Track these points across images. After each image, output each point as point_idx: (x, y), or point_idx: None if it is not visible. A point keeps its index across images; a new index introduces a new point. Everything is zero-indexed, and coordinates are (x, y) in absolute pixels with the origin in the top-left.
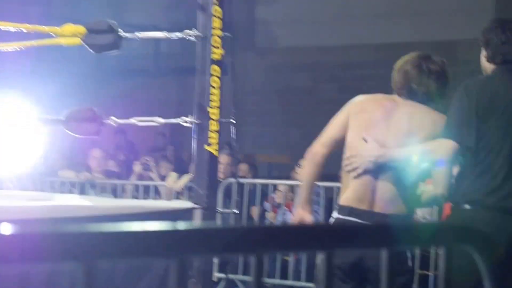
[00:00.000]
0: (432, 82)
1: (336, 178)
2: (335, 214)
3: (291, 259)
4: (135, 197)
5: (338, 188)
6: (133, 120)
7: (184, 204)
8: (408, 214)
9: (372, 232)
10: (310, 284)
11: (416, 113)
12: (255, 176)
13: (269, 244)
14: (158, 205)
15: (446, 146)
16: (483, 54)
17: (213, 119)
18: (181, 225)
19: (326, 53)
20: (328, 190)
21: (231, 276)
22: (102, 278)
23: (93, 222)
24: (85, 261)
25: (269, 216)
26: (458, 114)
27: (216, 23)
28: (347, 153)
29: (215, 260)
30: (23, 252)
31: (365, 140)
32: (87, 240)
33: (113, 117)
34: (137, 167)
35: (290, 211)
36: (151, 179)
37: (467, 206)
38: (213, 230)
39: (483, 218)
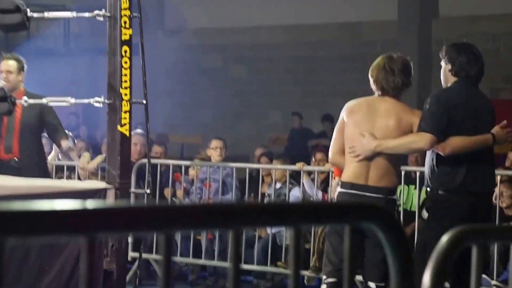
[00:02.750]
0: (397, 78)
1: (247, 159)
2: (338, 189)
3: (203, 239)
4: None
5: (250, 169)
6: (44, 100)
7: (97, 184)
8: (395, 187)
9: (281, 211)
10: (224, 263)
11: (390, 109)
12: (167, 157)
13: (178, 222)
14: (71, 185)
15: (426, 138)
16: (447, 67)
17: (125, 100)
18: (90, 204)
19: (236, 34)
20: (240, 171)
21: (145, 255)
22: (17, 257)
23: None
24: None
25: (179, 194)
26: (433, 116)
27: (125, 3)
28: (347, 145)
29: (130, 240)
30: None
31: (363, 135)
32: None
33: (24, 97)
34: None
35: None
36: (69, 158)
37: (440, 192)
38: (122, 208)
39: (452, 201)
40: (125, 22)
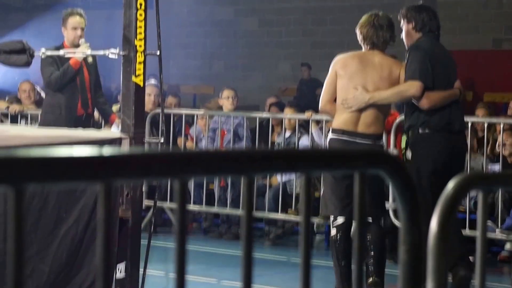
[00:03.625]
0: (385, 32)
1: (258, 108)
2: (329, 135)
3: (216, 187)
4: None
5: (261, 118)
6: (61, 52)
7: (112, 134)
8: (382, 133)
9: (292, 157)
10: (236, 211)
11: (382, 62)
12: (180, 107)
13: (192, 168)
14: (87, 134)
15: (416, 86)
16: (410, 26)
17: (139, 51)
18: (107, 150)
19: None
20: (251, 120)
21: (159, 203)
22: (36, 205)
23: None
24: (14, 185)
25: (189, 145)
26: (418, 64)
27: None
28: (340, 96)
29: (144, 189)
30: None
31: (356, 88)
32: (16, 164)
33: (43, 49)
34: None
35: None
36: None
37: (420, 131)
38: (138, 155)
39: (436, 138)
40: None
